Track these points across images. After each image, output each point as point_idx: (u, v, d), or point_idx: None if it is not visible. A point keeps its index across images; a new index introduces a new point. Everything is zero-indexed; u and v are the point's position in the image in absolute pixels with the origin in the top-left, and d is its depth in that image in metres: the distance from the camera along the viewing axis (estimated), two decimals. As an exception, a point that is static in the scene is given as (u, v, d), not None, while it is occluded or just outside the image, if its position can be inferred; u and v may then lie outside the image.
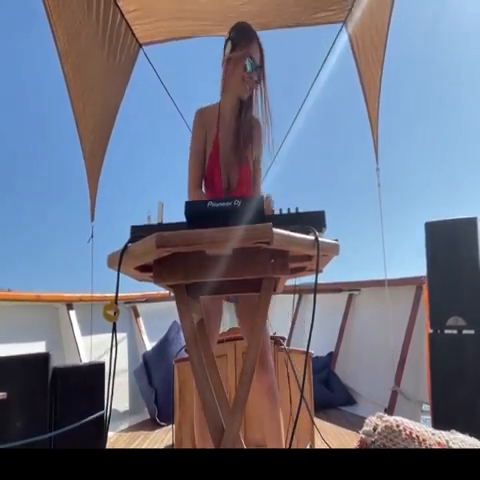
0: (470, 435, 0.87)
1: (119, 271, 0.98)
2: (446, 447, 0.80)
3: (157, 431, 3.01)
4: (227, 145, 1.66)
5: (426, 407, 2.83)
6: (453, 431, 0.87)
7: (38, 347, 2.95)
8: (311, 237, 0.94)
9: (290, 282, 1.62)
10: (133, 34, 2.86)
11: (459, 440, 0.83)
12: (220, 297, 1.63)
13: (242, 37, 1.63)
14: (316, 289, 0.96)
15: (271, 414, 1.57)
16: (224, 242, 0.90)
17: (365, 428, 0.87)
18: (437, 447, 0.80)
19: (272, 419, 1.57)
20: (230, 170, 1.65)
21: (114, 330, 0.98)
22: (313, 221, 0.98)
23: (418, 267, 2.72)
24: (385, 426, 0.84)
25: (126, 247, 0.97)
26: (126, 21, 2.73)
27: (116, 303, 1.00)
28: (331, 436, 2.58)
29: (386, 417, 0.87)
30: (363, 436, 0.86)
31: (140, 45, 2.98)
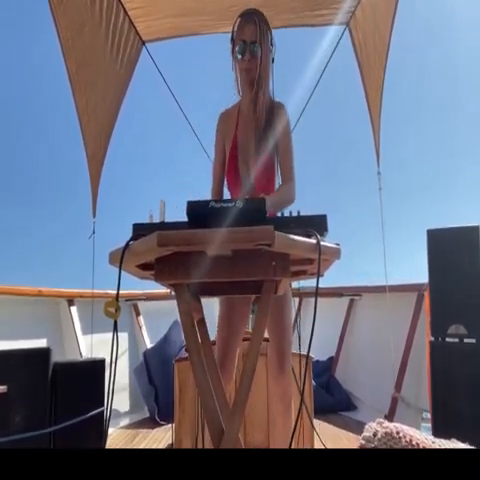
0: (470, 445, 0.86)
1: (120, 268, 0.98)
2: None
3: (156, 430, 3.01)
4: (246, 137, 1.65)
5: (427, 415, 2.81)
6: (453, 440, 0.86)
7: (39, 342, 2.96)
8: (313, 241, 0.93)
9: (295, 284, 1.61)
10: (136, 31, 2.86)
11: (459, 449, 0.82)
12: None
13: (237, 28, 1.60)
14: (317, 293, 0.95)
15: (284, 419, 1.57)
16: (225, 243, 0.89)
17: (365, 434, 0.86)
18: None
19: (284, 424, 1.56)
20: (249, 160, 1.64)
21: (115, 327, 0.98)
22: (315, 225, 0.97)
23: (420, 273, 2.69)
24: (385, 432, 0.83)
25: (128, 245, 0.97)
26: (129, 18, 2.73)
27: (117, 300, 0.99)
28: (331, 441, 2.56)
29: (386, 423, 0.86)
30: (363, 442, 0.85)
31: (143, 42, 2.99)
